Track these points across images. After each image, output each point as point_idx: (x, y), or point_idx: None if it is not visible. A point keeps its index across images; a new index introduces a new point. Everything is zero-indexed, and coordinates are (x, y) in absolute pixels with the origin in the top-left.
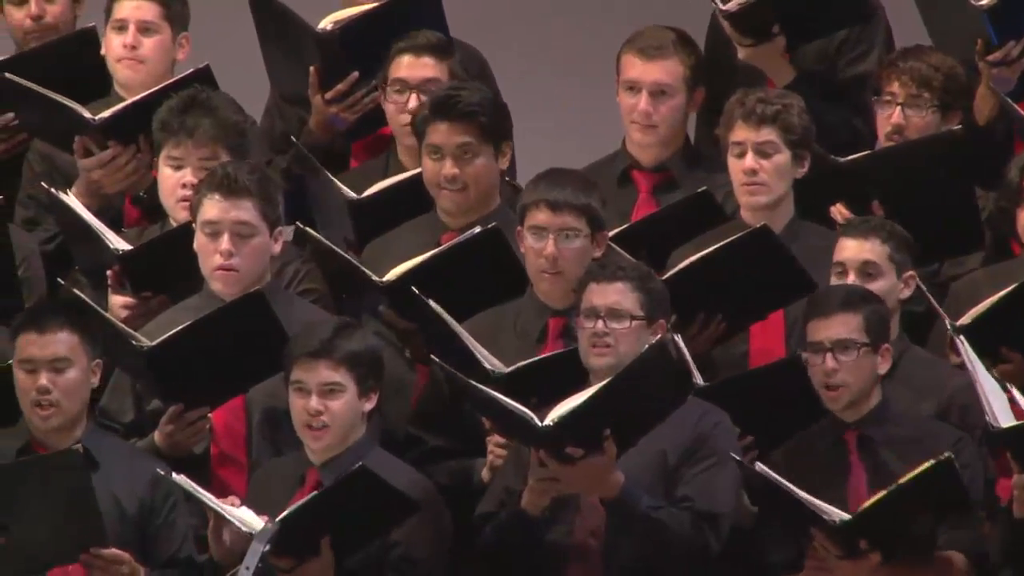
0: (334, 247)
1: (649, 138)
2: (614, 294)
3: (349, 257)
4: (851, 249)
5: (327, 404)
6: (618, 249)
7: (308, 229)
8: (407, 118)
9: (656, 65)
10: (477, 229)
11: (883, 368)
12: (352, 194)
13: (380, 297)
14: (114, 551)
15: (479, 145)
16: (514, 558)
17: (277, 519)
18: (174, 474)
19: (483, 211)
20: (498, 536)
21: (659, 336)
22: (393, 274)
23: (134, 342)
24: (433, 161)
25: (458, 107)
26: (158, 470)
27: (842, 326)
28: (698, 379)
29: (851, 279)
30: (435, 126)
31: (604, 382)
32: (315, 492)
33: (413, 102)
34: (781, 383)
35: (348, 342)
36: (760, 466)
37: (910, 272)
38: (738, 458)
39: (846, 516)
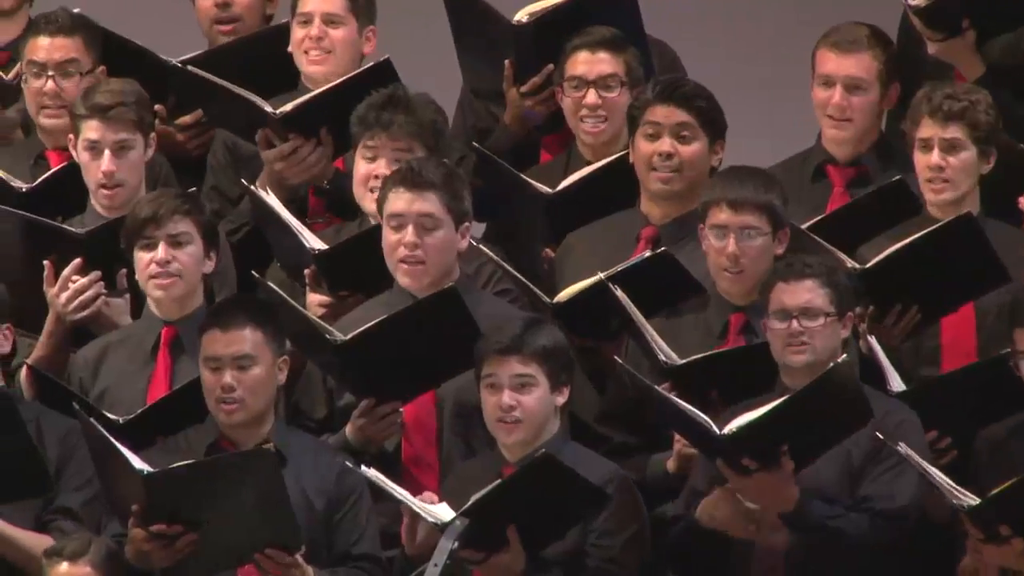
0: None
1: (844, 133)
2: (805, 293)
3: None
4: None
5: (519, 399)
6: (816, 238)
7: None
8: (586, 112)
9: (851, 59)
10: (647, 253)
11: None
12: (547, 189)
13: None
14: (289, 556)
15: (698, 129)
16: (699, 559)
17: (461, 510)
18: (363, 467)
19: (687, 206)
20: (683, 539)
21: (842, 357)
22: (566, 294)
23: (328, 336)
24: (649, 140)
25: (682, 91)
26: (345, 463)
27: None
28: (894, 384)
29: None
30: (655, 108)
31: (785, 396)
32: (499, 480)
33: (591, 97)
34: (985, 383)
35: (539, 337)
36: (903, 447)
37: None
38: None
39: (974, 501)
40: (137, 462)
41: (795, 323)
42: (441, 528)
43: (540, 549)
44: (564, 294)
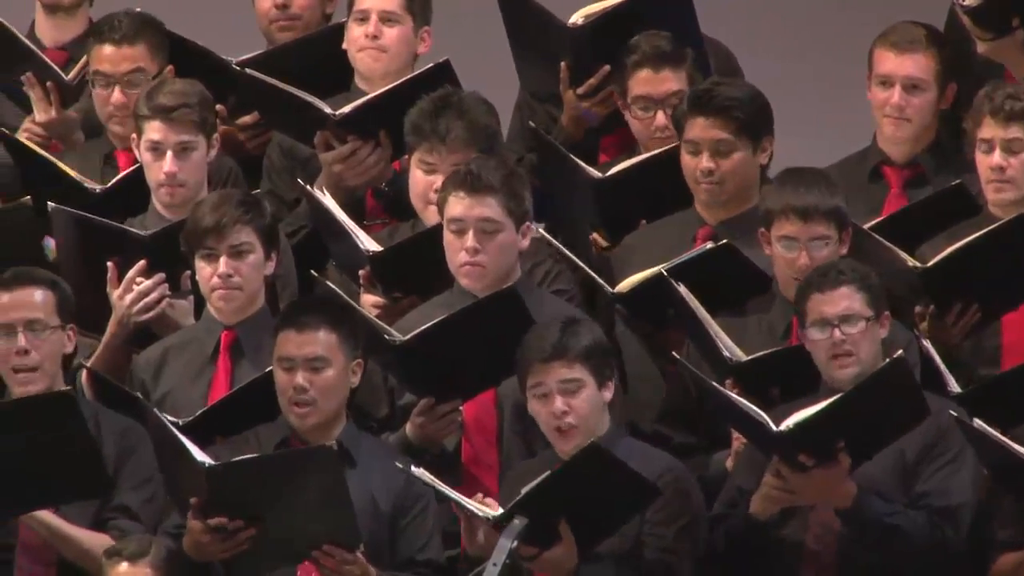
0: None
1: (902, 132)
2: (843, 300)
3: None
4: None
5: (570, 403)
6: (878, 237)
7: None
8: (658, 134)
9: (909, 59)
10: (709, 244)
11: None
12: (597, 174)
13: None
14: (347, 553)
15: (736, 140)
16: (745, 559)
17: (511, 503)
18: (413, 468)
19: (742, 206)
20: (728, 539)
21: (897, 353)
22: (627, 284)
23: (387, 336)
24: (691, 155)
25: (715, 102)
26: (397, 464)
27: None
28: (952, 385)
29: None
30: (693, 120)
31: (843, 393)
32: (548, 473)
33: (661, 119)
34: None
35: (579, 338)
36: (979, 423)
37: None
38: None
39: None
40: (199, 455)
41: (837, 332)
42: (493, 523)
43: (593, 545)
44: (625, 283)
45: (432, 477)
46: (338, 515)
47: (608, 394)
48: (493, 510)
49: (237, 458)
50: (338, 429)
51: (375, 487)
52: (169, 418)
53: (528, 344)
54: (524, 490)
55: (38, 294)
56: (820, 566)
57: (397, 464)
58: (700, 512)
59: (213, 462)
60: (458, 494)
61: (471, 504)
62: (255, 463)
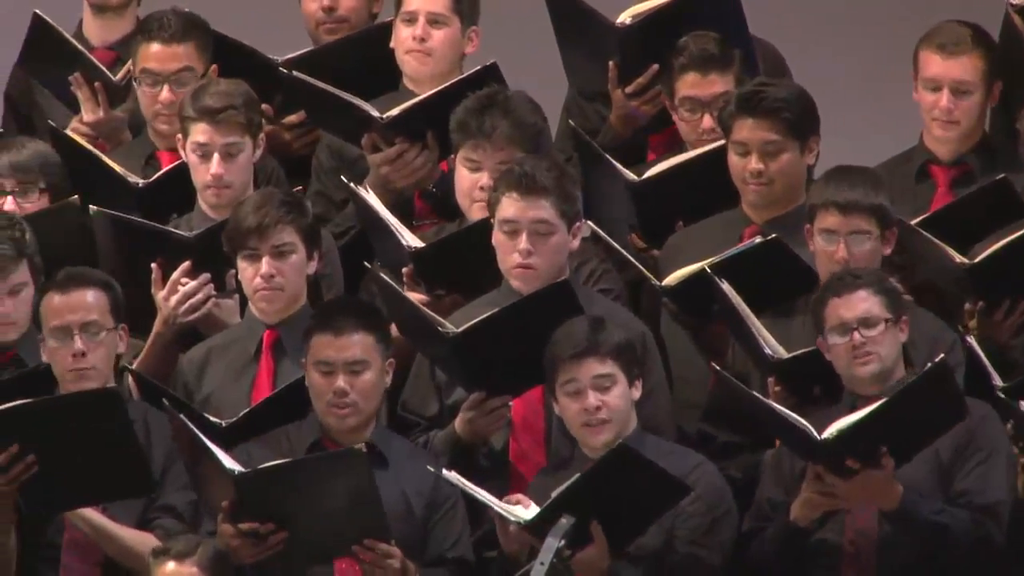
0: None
1: (950, 133)
2: (861, 303)
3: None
4: None
5: (603, 399)
6: (925, 234)
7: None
8: (705, 138)
9: (956, 62)
10: (758, 239)
11: None
12: (633, 176)
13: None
14: (386, 546)
15: (784, 141)
16: (786, 568)
17: (544, 505)
18: (444, 471)
19: (788, 205)
20: (769, 550)
21: (939, 357)
22: (675, 277)
23: (440, 328)
24: (739, 156)
25: (764, 103)
26: (428, 467)
27: None
28: (997, 380)
29: None
30: (741, 122)
31: (885, 400)
32: (579, 475)
33: (708, 122)
34: None
35: (611, 335)
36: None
37: None
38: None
39: None
40: (228, 462)
41: (856, 335)
42: (525, 526)
43: (625, 545)
44: (673, 277)
45: (462, 479)
46: (369, 516)
47: (636, 393)
48: (526, 507)
49: (265, 465)
50: (370, 429)
51: (407, 488)
52: (212, 419)
53: (558, 341)
54: (554, 492)
55: (92, 295)
56: (859, 568)
57: (428, 467)
58: (731, 507)
59: (242, 469)
60: (489, 496)
61: (501, 506)
62: (284, 469)
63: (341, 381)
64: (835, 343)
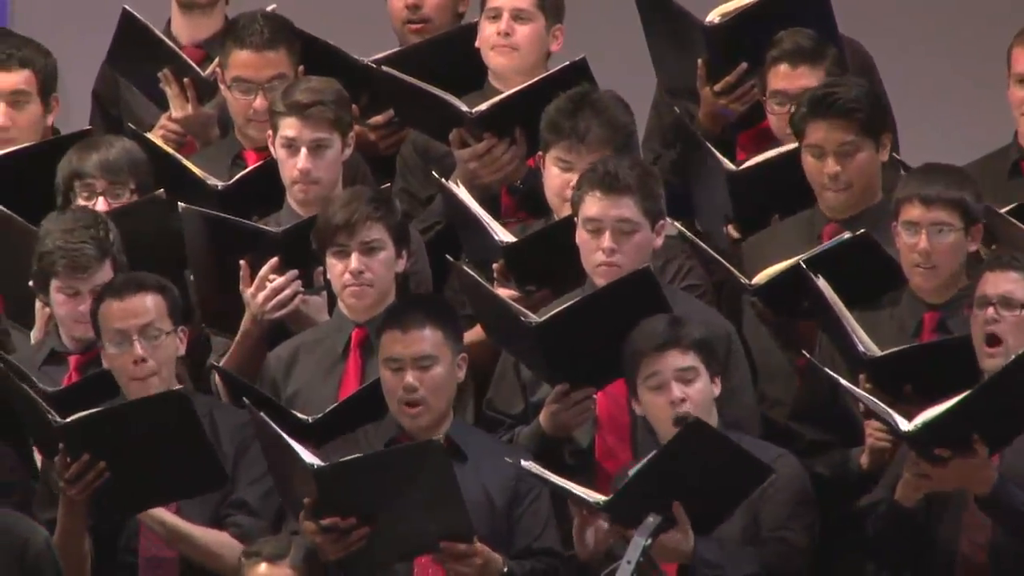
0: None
1: None
2: (1007, 283)
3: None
4: None
5: (687, 391)
6: (1016, 223)
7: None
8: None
9: None
10: (846, 235)
11: None
12: (731, 165)
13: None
14: (465, 546)
15: (859, 140)
16: (899, 558)
17: (622, 485)
18: (522, 461)
19: (866, 203)
20: (876, 527)
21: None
22: (763, 276)
23: (523, 319)
24: (814, 159)
25: (836, 105)
26: (506, 459)
27: None
28: None
29: None
30: (814, 124)
31: (970, 391)
32: (654, 451)
33: None
34: None
35: (691, 329)
36: None
37: None
38: None
39: None
40: (308, 456)
41: (991, 311)
42: (601, 508)
43: (709, 529)
44: (761, 275)
45: (542, 469)
46: (450, 510)
47: (716, 390)
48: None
49: (344, 458)
50: (446, 425)
51: (487, 481)
52: (299, 415)
53: (637, 337)
54: (631, 471)
55: (149, 300)
56: (973, 568)
57: (507, 459)
58: (813, 496)
59: (321, 463)
60: (568, 483)
61: (581, 491)
62: (363, 462)
63: (410, 377)
64: (975, 315)
